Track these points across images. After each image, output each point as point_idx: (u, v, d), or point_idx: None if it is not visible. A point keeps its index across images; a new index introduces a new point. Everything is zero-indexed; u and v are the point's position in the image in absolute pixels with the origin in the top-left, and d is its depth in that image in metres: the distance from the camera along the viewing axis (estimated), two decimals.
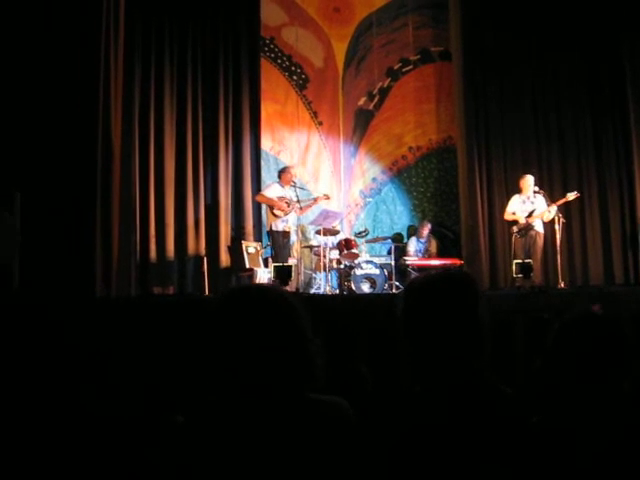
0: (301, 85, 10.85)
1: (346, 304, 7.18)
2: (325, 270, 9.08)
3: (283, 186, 9.06)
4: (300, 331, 1.79)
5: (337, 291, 9.23)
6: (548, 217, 9.00)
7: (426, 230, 10.37)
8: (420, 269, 9.91)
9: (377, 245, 10.64)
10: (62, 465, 2.27)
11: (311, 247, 9.85)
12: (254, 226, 9.64)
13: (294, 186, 9.02)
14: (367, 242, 10.07)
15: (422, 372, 1.91)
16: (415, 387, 1.91)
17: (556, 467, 1.80)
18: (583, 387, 1.87)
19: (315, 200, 9.30)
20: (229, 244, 9.38)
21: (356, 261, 9.29)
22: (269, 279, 8.37)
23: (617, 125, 10.28)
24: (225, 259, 9.32)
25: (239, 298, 1.84)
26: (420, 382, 1.91)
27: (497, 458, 1.80)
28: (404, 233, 10.91)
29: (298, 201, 8.91)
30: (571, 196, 9.05)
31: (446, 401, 1.85)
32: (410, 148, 11.21)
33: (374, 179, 11.13)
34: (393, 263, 9.64)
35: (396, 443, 1.85)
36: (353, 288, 8.97)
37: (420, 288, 1.96)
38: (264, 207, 9.44)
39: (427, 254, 10.29)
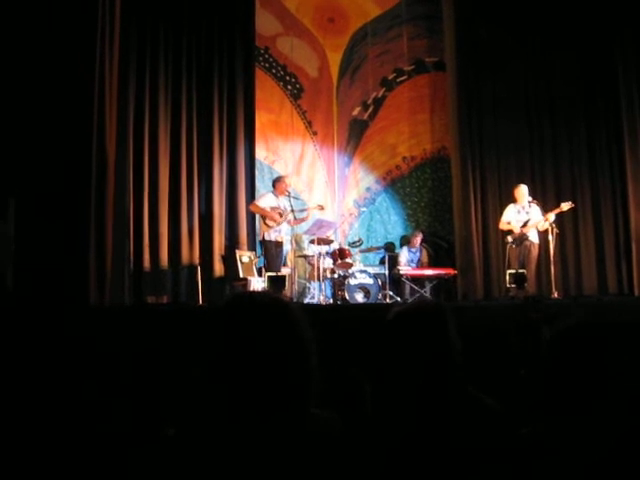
0: (296, 95, 10.87)
1: (341, 313, 7.17)
2: (319, 279, 9.07)
3: (277, 196, 9.07)
4: (304, 345, 1.76)
5: (331, 300, 9.22)
6: (544, 226, 9.00)
7: (418, 240, 10.38)
8: (414, 279, 9.92)
9: (371, 255, 10.64)
10: (53, 477, 2.26)
11: (305, 256, 9.84)
12: (248, 235, 9.63)
13: (288, 196, 9.03)
14: (361, 252, 10.08)
15: (402, 392, 2.05)
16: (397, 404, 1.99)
17: (548, 477, 1.79)
18: (576, 398, 1.87)
19: (307, 213, 9.31)
20: (223, 253, 9.36)
21: (350, 270, 9.29)
22: (263, 288, 8.36)
23: (610, 135, 10.31)
24: (219, 268, 9.30)
25: (242, 307, 1.79)
26: (401, 401, 2.03)
27: (482, 469, 1.81)
28: (397, 243, 10.92)
29: (292, 211, 8.92)
30: (565, 206, 9.04)
31: (429, 416, 1.91)
32: (404, 158, 11.23)
33: (368, 189, 11.14)
34: (387, 273, 9.64)
35: (383, 460, 1.87)
36: (347, 298, 8.97)
37: (395, 320, 2.15)
38: (258, 216, 9.44)
39: (419, 264, 10.31)
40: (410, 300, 9.20)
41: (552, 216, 8.92)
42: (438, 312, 2.13)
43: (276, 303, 1.80)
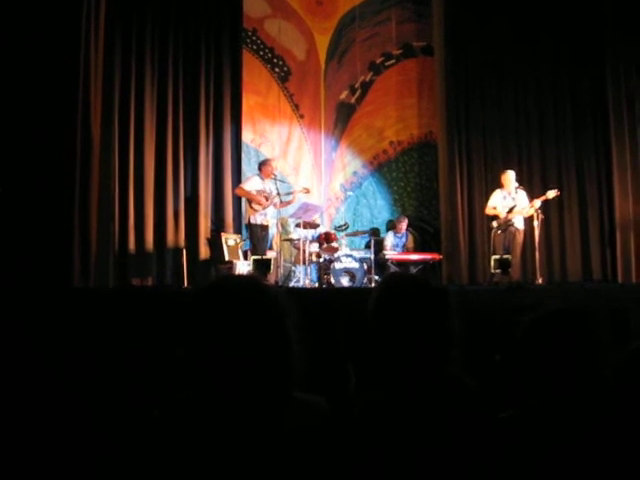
0: (283, 77, 10.83)
1: (327, 297, 7.18)
2: (305, 263, 9.08)
3: (263, 179, 9.05)
4: (284, 329, 1.75)
5: (316, 284, 9.24)
6: (529, 212, 9.02)
7: (403, 225, 10.41)
8: (399, 263, 9.95)
9: (357, 239, 10.66)
10: (38, 459, 2.25)
11: (291, 240, 9.83)
12: (234, 218, 9.61)
13: (274, 179, 9.02)
14: (347, 236, 10.09)
15: (388, 366, 1.99)
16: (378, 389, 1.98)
17: (527, 462, 1.81)
18: (552, 383, 1.89)
19: (293, 196, 9.28)
20: (208, 236, 9.34)
21: (336, 255, 9.30)
22: (248, 272, 8.36)
23: (597, 121, 10.35)
24: (204, 251, 9.28)
25: (223, 290, 1.78)
26: (385, 378, 1.98)
27: (461, 451, 1.83)
28: (383, 227, 10.94)
29: (278, 194, 8.91)
30: (551, 194, 9.04)
31: (410, 394, 1.91)
32: (391, 142, 11.22)
33: (355, 173, 11.14)
34: (372, 257, 9.66)
35: (366, 440, 1.88)
36: (332, 282, 8.99)
37: (393, 286, 2.07)
38: (244, 200, 9.42)
39: (404, 249, 10.34)
40: None
41: (537, 203, 8.94)
42: (442, 289, 2.09)
43: (257, 287, 1.79)
